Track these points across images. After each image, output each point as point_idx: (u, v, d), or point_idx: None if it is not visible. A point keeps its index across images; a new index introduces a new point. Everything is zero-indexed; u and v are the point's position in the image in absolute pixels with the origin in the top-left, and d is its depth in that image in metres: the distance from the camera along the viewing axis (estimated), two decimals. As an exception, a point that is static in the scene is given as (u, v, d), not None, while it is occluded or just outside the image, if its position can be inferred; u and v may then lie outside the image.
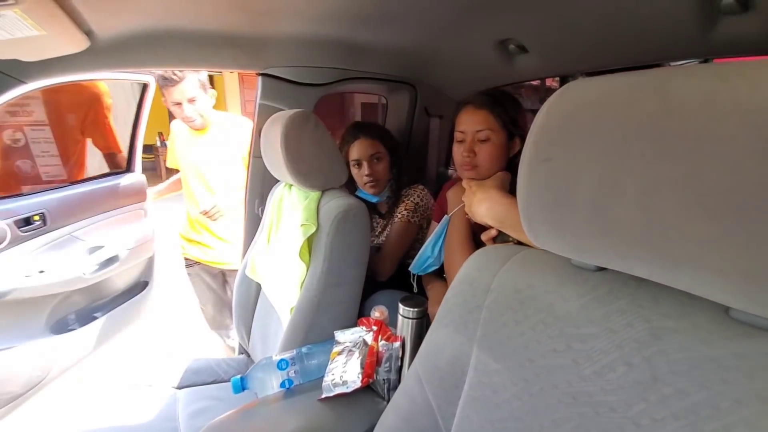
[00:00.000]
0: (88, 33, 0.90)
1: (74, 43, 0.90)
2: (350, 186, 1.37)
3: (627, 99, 0.35)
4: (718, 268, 0.31)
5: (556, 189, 0.41)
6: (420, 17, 0.96)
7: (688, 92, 0.31)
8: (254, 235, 1.33)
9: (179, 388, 1.19)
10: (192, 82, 1.52)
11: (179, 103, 1.53)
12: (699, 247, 0.31)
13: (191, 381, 1.22)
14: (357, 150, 1.29)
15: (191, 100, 1.54)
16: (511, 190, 0.95)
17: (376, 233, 1.39)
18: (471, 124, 0.95)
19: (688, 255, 0.32)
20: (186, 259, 1.81)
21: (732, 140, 0.28)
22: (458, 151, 0.97)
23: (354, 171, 1.32)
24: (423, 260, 1.06)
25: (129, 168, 1.78)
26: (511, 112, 0.95)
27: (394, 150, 1.35)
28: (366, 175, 1.28)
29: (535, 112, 0.45)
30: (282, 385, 0.88)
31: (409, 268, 1.09)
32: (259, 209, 1.41)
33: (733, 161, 0.28)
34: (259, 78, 1.25)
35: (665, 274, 0.36)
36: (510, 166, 0.98)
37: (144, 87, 1.69)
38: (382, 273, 1.24)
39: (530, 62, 1.07)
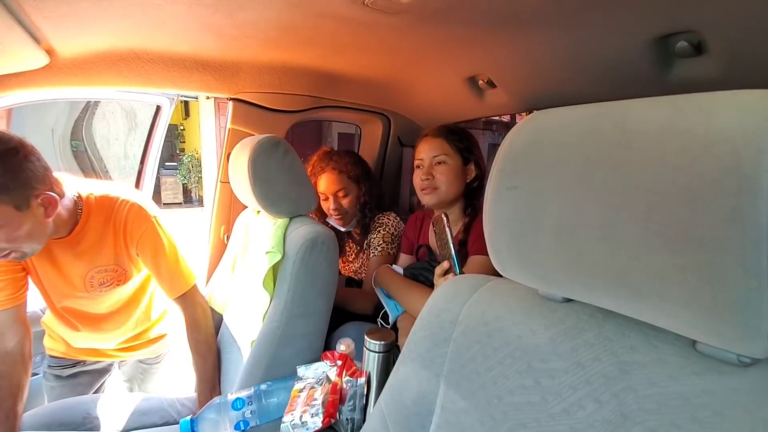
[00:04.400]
0: (48, 49, 0.86)
1: (32, 58, 0.87)
2: (322, 211, 1.36)
3: (588, 130, 0.35)
4: (683, 301, 0.30)
5: (522, 218, 0.40)
6: (392, 50, 0.98)
7: (646, 124, 0.31)
8: (218, 262, 1.27)
9: (125, 431, 1.08)
10: None
11: None
12: (662, 279, 0.30)
13: (139, 423, 1.11)
14: (323, 184, 1.30)
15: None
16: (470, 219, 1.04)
17: (350, 259, 1.37)
18: (428, 150, 1.04)
19: (652, 287, 0.31)
20: None
21: (689, 171, 0.28)
22: (417, 176, 1.06)
23: (323, 202, 1.33)
24: (393, 313, 1.06)
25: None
26: (464, 141, 1.05)
27: (364, 179, 1.33)
28: (332, 209, 1.29)
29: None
30: (236, 426, 0.81)
31: (390, 320, 1.07)
32: (225, 236, 1.35)
33: (691, 193, 0.28)
34: (230, 102, 1.24)
35: (630, 306, 0.35)
36: (468, 194, 1.07)
37: (157, 109, 1.64)
38: (364, 309, 1.21)
39: (499, 97, 1.11)
